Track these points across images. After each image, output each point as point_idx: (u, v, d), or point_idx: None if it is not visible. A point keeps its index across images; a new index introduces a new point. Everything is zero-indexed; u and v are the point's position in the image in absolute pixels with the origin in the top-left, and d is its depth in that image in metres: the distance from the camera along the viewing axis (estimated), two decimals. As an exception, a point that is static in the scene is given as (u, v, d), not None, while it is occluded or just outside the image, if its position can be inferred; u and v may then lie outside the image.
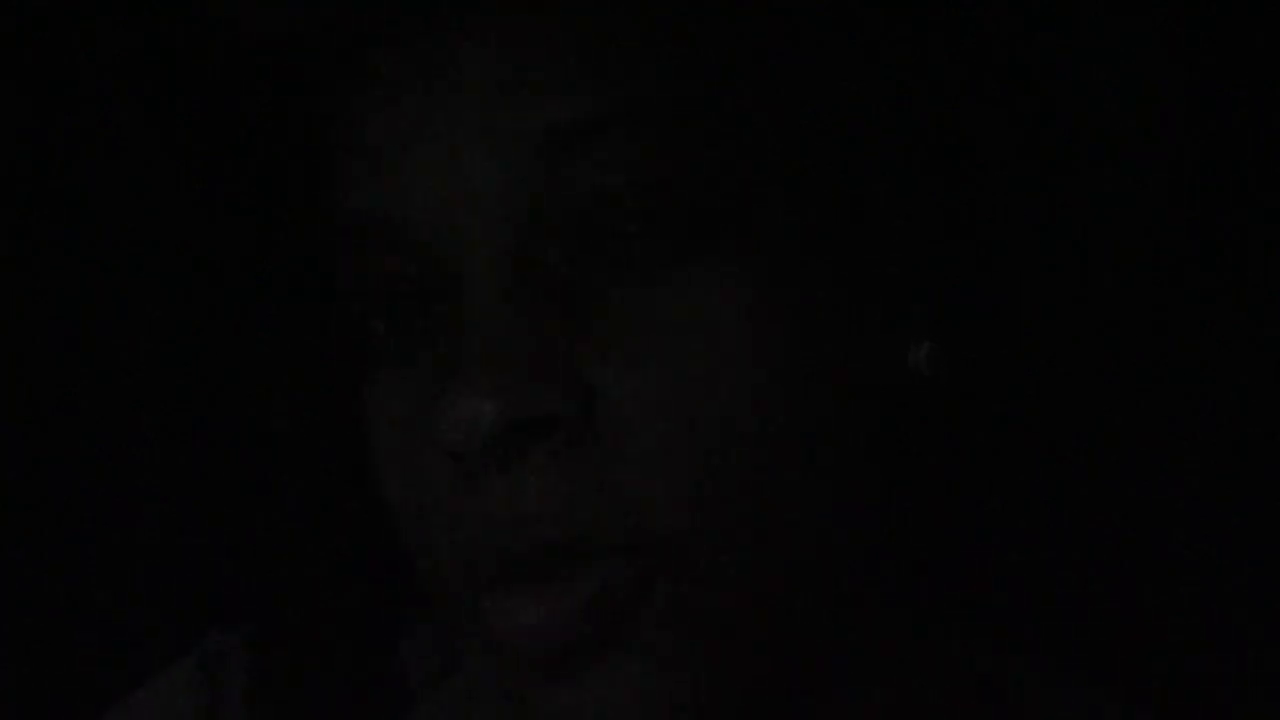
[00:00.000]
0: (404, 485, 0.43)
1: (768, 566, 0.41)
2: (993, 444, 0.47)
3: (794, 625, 0.43)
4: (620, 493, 0.39)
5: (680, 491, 0.39)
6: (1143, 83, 0.53)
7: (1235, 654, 0.53)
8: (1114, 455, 0.51)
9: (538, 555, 0.39)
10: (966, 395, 0.45)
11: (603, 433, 0.39)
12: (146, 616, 0.65)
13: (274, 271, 0.49)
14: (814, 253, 0.41)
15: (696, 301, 0.40)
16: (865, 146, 0.43)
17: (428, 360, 0.42)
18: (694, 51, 0.40)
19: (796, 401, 0.41)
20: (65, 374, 0.67)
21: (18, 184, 0.68)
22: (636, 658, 0.40)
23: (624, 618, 0.40)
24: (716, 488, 0.40)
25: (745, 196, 0.40)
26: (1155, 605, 0.52)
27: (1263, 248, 0.55)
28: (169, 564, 0.66)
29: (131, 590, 0.65)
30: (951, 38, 0.45)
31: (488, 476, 0.39)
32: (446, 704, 0.53)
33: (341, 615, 0.54)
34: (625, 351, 0.39)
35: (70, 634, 0.66)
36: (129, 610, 0.65)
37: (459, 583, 0.41)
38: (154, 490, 0.66)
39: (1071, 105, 0.50)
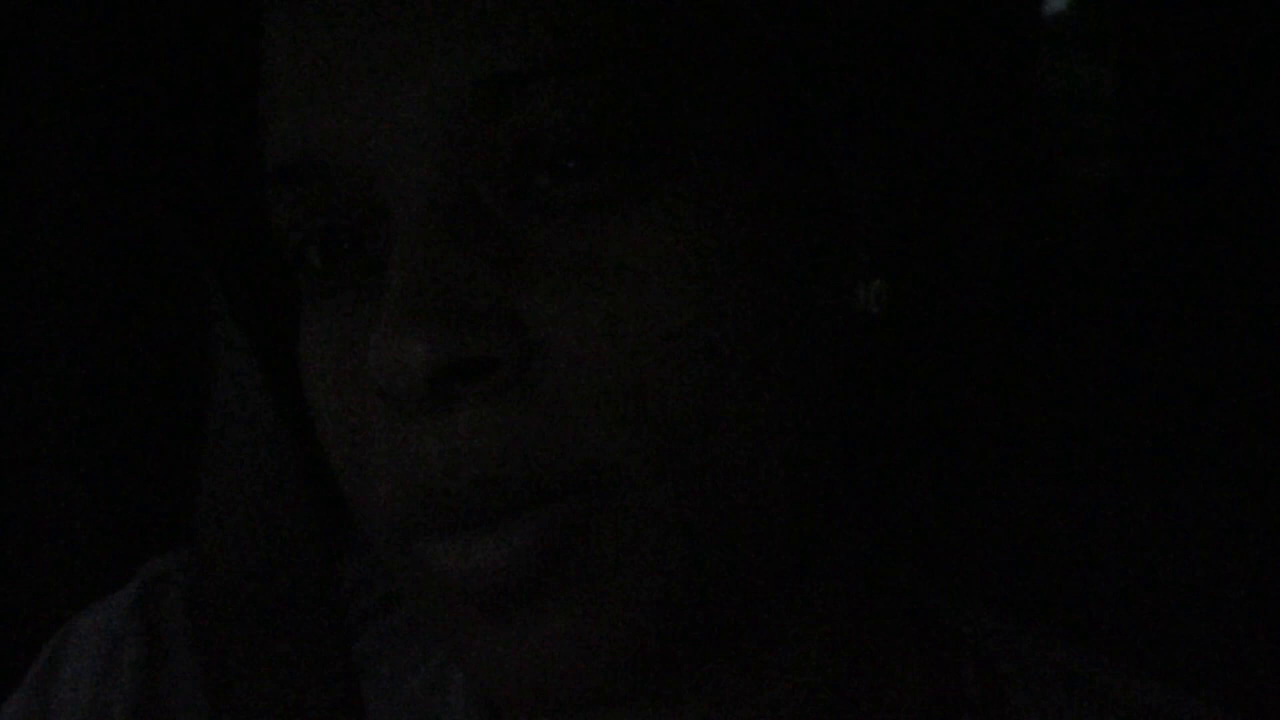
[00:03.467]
0: (337, 423, 0.42)
1: (713, 505, 0.40)
2: (942, 382, 0.47)
3: (740, 565, 0.42)
4: (559, 432, 0.39)
5: (621, 431, 0.39)
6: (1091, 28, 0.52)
7: (1178, 587, 0.54)
8: (1068, 391, 0.51)
9: (474, 494, 0.39)
10: (916, 333, 0.45)
11: (541, 374, 0.39)
12: (85, 542, 0.64)
13: (209, 207, 0.48)
14: (757, 193, 0.41)
15: (633, 241, 0.39)
16: (810, 87, 0.43)
17: (362, 298, 0.41)
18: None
19: (738, 340, 0.40)
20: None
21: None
22: (578, 599, 0.39)
23: (566, 560, 0.39)
24: (659, 426, 0.39)
25: (682, 138, 0.39)
26: (1111, 549, 0.52)
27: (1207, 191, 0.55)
28: (105, 490, 0.65)
29: (68, 515, 0.64)
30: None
31: (420, 417, 0.39)
32: (388, 638, 0.52)
33: (281, 541, 0.53)
34: (562, 293, 0.39)
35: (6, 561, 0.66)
36: (68, 538, 0.64)
37: (393, 522, 0.41)
38: (91, 414, 0.64)
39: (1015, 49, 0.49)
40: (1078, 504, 0.51)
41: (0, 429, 0.64)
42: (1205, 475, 0.54)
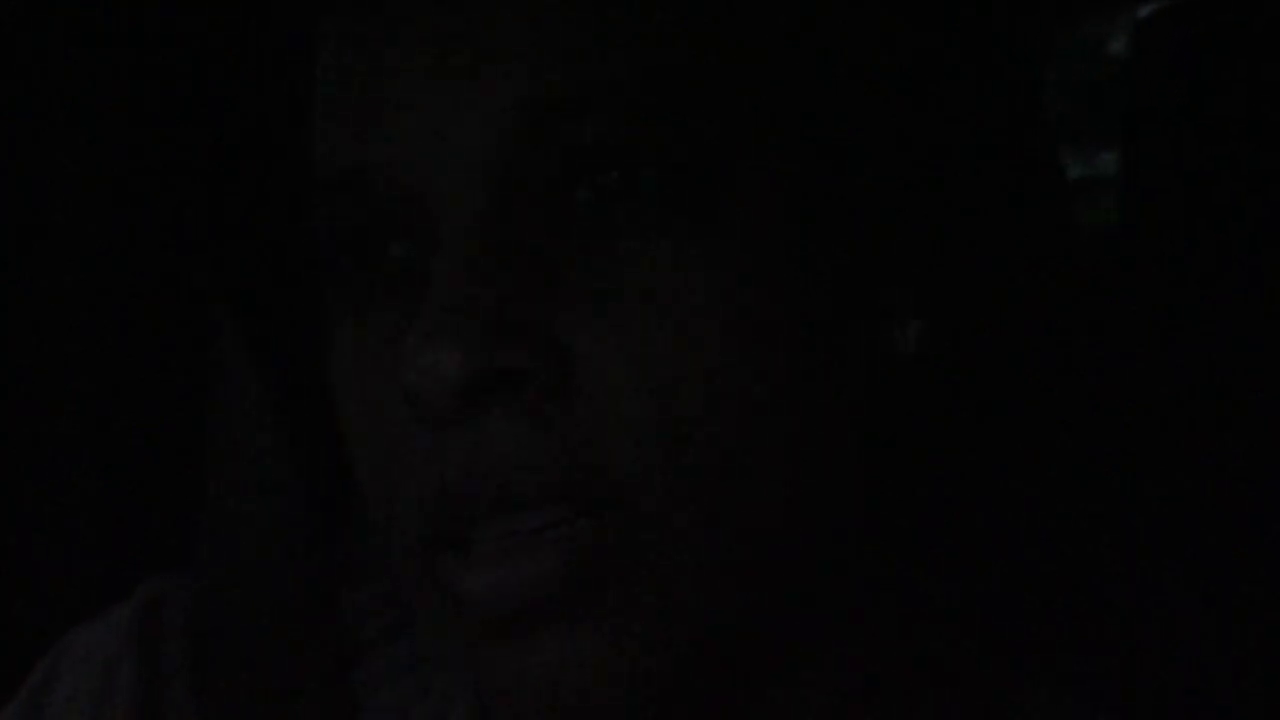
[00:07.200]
0: (365, 431, 0.42)
1: (738, 538, 0.40)
2: (977, 427, 0.46)
3: (760, 597, 0.42)
4: (588, 450, 0.39)
5: (650, 456, 0.39)
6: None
7: (1211, 651, 0.52)
8: (1106, 442, 0.49)
9: (499, 503, 0.39)
10: (952, 374, 0.44)
11: (576, 392, 0.39)
12: (85, 562, 0.63)
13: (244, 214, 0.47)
14: (797, 224, 0.41)
15: (674, 265, 0.39)
16: (852, 122, 0.43)
17: (397, 308, 0.41)
18: (677, 25, 0.40)
19: (772, 377, 0.40)
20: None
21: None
22: (598, 623, 0.39)
23: (588, 583, 0.39)
24: (689, 451, 0.39)
25: (725, 166, 0.40)
26: (1142, 604, 0.51)
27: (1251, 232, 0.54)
28: (109, 509, 0.64)
29: (70, 535, 0.63)
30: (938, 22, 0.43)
31: (452, 427, 0.39)
32: (394, 664, 0.52)
33: (282, 569, 0.52)
34: (601, 316, 0.39)
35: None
36: (68, 555, 0.63)
37: (416, 533, 0.40)
38: (96, 430, 0.64)
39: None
40: (1112, 551, 0.50)
41: (7, 452, 0.63)
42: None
